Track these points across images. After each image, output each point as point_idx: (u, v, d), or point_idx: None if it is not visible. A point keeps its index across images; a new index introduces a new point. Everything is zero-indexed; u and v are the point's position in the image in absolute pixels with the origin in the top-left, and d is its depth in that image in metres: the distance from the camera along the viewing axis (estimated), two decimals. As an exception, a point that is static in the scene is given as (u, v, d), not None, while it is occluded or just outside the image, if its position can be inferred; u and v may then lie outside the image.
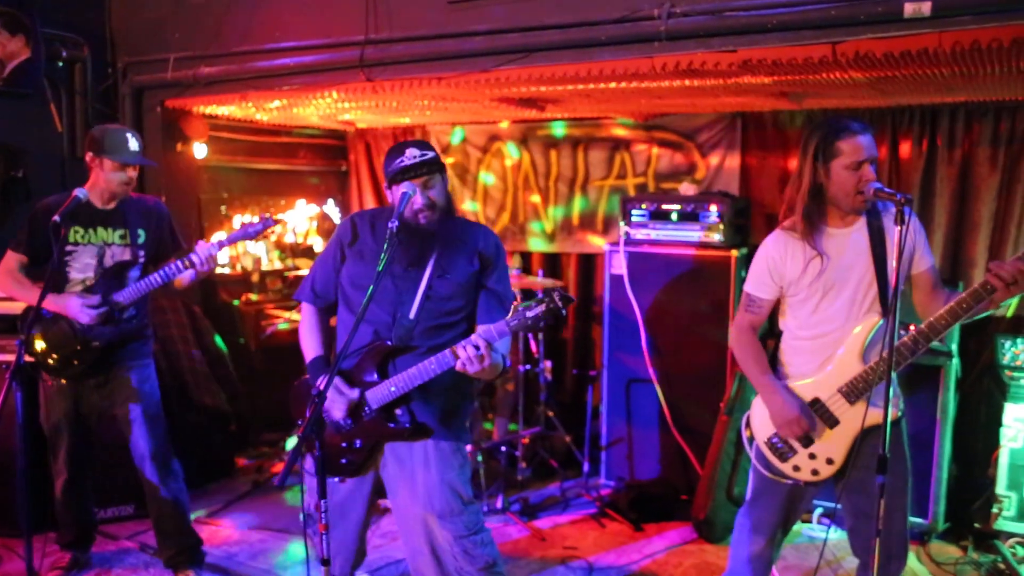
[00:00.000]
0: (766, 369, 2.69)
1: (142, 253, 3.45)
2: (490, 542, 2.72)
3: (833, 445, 2.61)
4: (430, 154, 2.60)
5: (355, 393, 2.64)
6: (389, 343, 2.64)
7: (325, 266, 2.82)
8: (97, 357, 3.34)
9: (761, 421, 2.73)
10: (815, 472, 2.65)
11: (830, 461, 2.63)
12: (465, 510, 2.67)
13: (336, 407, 2.65)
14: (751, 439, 2.77)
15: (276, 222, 3.45)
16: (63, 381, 3.36)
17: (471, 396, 2.88)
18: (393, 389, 2.60)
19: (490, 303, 2.73)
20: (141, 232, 3.44)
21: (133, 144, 3.35)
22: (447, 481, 2.66)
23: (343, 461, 2.73)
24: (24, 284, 3.33)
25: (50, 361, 3.32)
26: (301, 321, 2.87)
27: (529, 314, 2.45)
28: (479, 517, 2.74)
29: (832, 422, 2.61)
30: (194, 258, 3.24)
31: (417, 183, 2.58)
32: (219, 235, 3.60)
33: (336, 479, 2.75)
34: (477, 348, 2.44)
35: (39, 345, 3.30)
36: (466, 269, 2.70)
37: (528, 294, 5.06)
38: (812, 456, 2.64)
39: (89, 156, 3.32)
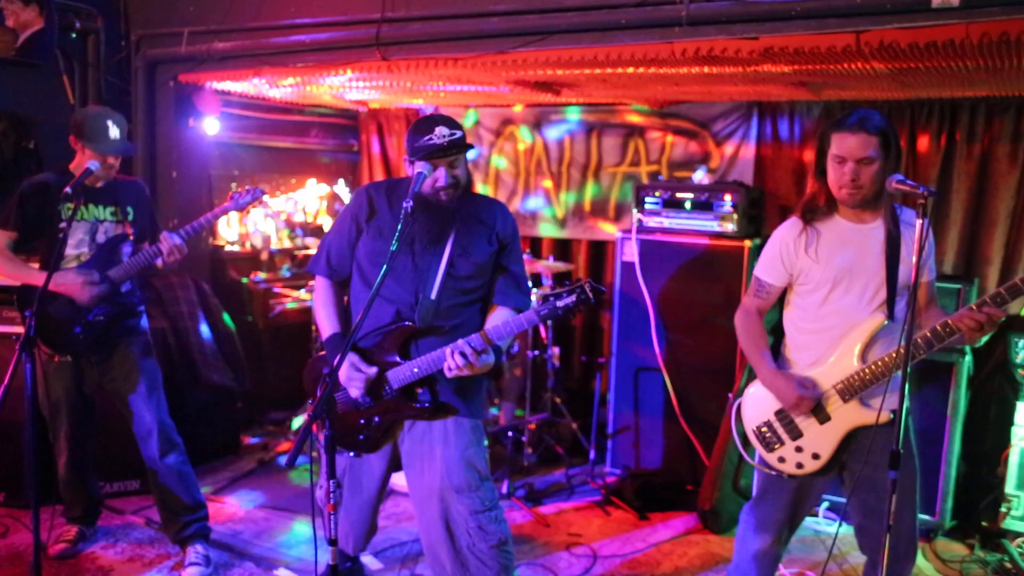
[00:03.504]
0: (764, 352, 2.68)
1: (133, 229, 3.44)
2: (503, 520, 2.73)
3: (821, 440, 2.60)
4: (459, 133, 2.58)
5: (373, 370, 2.62)
6: (413, 324, 2.63)
7: (340, 239, 2.79)
8: (100, 332, 3.34)
9: (751, 410, 2.72)
10: (799, 465, 2.63)
11: (816, 456, 2.61)
12: (482, 485, 2.69)
13: (354, 385, 2.64)
14: (741, 431, 2.75)
15: (263, 193, 3.52)
16: (68, 358, 3.34)
17: (486, 374, 2.88)
18: (416, 370, 2.60)
19: (507, 285, 2.73)
20: (130, 209, 3.43)
21: (114, 132, 3.28)
22: (466, 456, 2.67)
23: (360, 437, 2.72)
24: (15, 261, 3.30)
25: (54, 338, 3.30)
26: (316, 295, 2.85)
27: (559, 304, 2.45)
28: (495, 493, 2.75)
29: (823, 417, 2.59)
30: (162, 247, 3.29)
31: (444, 163, 2.56)
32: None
33: (351, 454, 2.74)
34: (464, 356, 2.45)
35: (42, 322, 3.25)
36: (485, 249, 2.70)
37: (535, 278, 5.04)
38: (799, 449, 2.63)
39: (72, 139, 3.26)
